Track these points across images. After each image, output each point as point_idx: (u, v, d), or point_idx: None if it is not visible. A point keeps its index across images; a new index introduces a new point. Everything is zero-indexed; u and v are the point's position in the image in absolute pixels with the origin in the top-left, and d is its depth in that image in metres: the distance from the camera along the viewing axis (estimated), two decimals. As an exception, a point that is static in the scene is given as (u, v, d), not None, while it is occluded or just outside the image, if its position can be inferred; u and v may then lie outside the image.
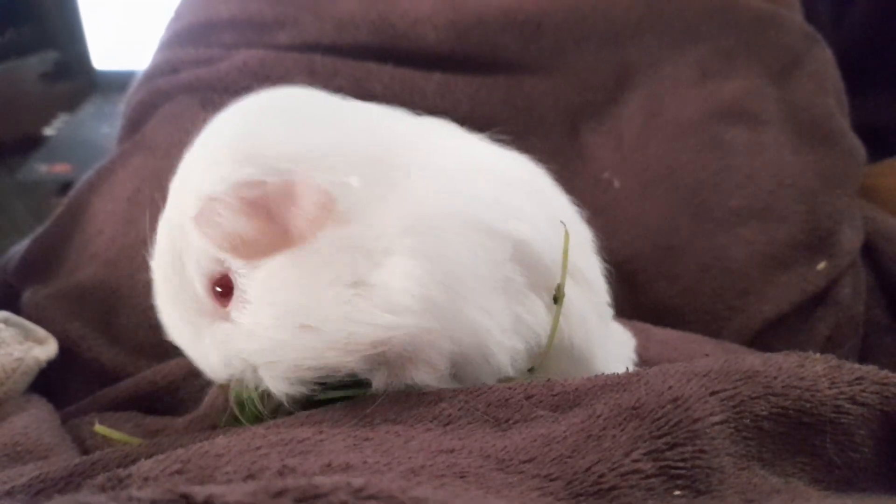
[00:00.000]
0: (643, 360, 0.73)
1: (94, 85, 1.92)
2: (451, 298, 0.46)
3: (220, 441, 0.40)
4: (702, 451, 0.39)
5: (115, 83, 1.86)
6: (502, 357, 0.48)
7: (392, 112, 0.57)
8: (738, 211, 0.96)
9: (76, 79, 1.96)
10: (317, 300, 0.45)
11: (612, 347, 0.64)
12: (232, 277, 0.48)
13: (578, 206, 0.77)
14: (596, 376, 0.48)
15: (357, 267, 0.45)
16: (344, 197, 0.46)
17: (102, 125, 1.80)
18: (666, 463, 0.38)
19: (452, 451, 0.40)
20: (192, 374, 0.70)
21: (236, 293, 0.48)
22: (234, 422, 0.56)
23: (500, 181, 0.53)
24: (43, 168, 1.67)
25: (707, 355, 0.72)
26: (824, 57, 1.06)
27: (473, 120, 0.96)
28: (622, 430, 0.40)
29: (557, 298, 0.52)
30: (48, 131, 1.83)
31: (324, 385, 0.48)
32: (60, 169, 1.65)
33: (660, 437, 0.39)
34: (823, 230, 0.94)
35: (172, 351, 0.65)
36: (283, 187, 0.45)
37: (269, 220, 0.45)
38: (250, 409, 0.52)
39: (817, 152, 1.00)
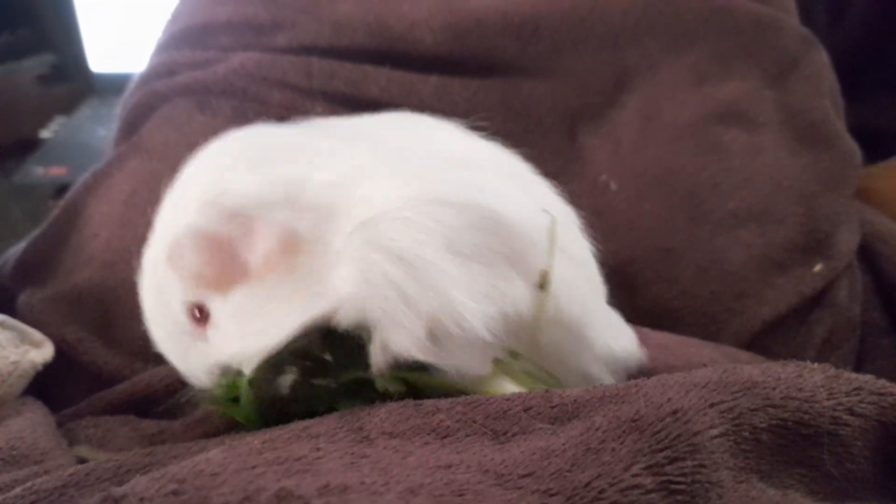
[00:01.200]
0: (640, 364, 0.73)
1: (91, 87, 1.92)
2: (404, 271, 0.49)
3: (216, 458, 0.40)
4: (702, 466, 0.38)
5: (112, 86, 1.85)
6: (474, 321, 0.49)
7: (349, 131, 0.63)
8: (735, 213, 0.96)
9: (72, 81, 1.95)
10: (276, 325, 0.52)
11: (610, 324, 0.65)
12: (206, 304, 0.56)
13: (576, 208, 0.78)
14: (595, 387, 0.47)
15: (309, 288, 0.52)
16: (295, 234, 0.52)
17: (99, 128, 1.80)
18: (666, 478, 0.38)
19: (450, 466, 0.39)
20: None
21: (211, 318, 0.56)
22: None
23: (470, 167, 0.57)
24: (39, 171, 1.67)
25: (705, 365, 0.72)
26: (821, 60, 1.07)
27: (471, 123, 0.97)
28: (622, 444, 0.40)
29: (543, 284, 0.53)
30: (44, 134, 1.83)
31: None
32: (57, 171, 1.65)
33: (660, 450, 0.39)
34: (821, 232, 0.94)
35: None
36: (240, 231, 0.51)
37: (230, 258, 0.52)
38: (245, 406, 0.54)
39: (814, 155, 1.01)
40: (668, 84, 1.03)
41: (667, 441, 0.39)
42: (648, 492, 0.37)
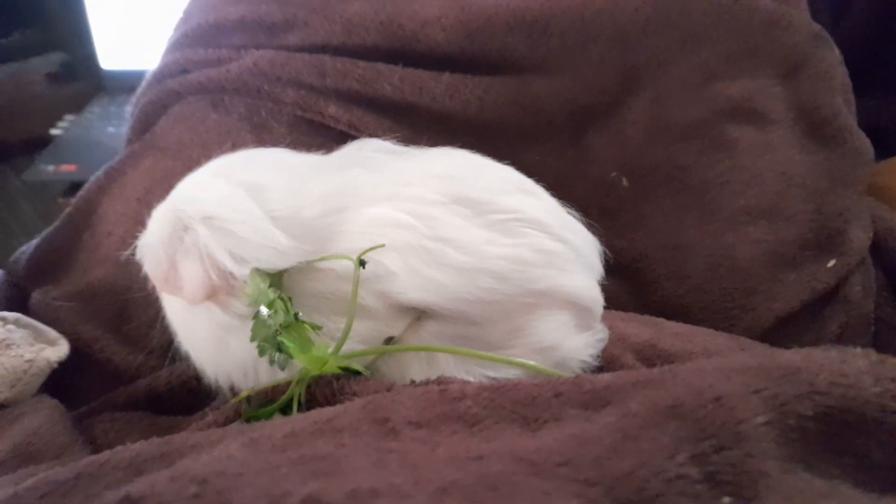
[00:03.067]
0: (657, 350, 0.73)
1: (101, 85, 1.92)
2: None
3: (238, 455, 0.39)
4: (749, 455, 0.37)
5: (122, 84, 1.87)
6: None
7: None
8: (745, 210, 0.96)
9: (82, 79, 1.96)
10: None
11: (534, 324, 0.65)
12: None
13: (584, 206, 0.78)
14: (626, 372, 0.47)
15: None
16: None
17: (109, 126, 1.80)
18: (712, 468, 0.36)
19: (481, 457, 0.38)
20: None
21: None
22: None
23: None
24: (49, 168, 1.66)
25: (723, 353, 0.72)
26: (832, 56, 1.06)
27: (482, 121, 0.97)
28: (662, 431, 0.38)
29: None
30: (55, 132, 1.82)
31: None
32: (67, 169, 1.65)
33: (704, 439, 0.37)
34: (831, 229, 0.94)
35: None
36: (175, 270, 0.64)
37: (167, 280, 0.64)
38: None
39: (825, 151, 1.00)
40: (678, 82, 1.02)
41: (711, 429, 0.38)
42: (695, 482, 0.36)
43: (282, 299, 0.58)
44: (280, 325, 0.57)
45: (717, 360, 0.45)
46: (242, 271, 0.60)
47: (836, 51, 1.08)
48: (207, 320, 0.64)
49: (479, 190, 0.67)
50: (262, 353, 0.58)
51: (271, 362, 0.58)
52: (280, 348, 0.57)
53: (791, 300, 0.90)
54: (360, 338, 0.62)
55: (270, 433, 0.43)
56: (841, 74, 1.07)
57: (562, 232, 0.69)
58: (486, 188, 0.68)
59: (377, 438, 0.42)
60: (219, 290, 0.62)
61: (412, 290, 0.62)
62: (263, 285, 0.59)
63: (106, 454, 0.47)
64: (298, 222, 0.63)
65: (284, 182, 0.66)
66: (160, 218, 0.67)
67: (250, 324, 0.59)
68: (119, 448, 0.48)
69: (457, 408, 0.44)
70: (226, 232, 0.61)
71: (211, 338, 0.65)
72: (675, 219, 0.96)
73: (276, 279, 0.61)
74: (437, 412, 0.44)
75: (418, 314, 0.64)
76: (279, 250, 0.61)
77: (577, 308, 0.68)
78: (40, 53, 1.98)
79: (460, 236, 0.63)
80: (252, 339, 0.59)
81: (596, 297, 0.71)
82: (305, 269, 0.62)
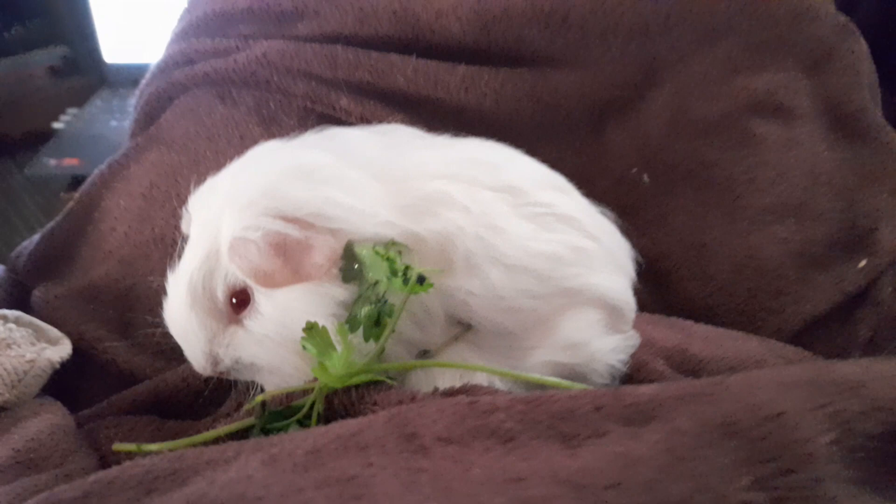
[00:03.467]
0: (687, 356, 0.71)
1: (104, 79, 1.90)
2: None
3: (257, 476, 0.35)
4: (818, 480, 0.34)
5: (126, 77, 1.85)
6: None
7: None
8: (771, 209, 0.93)
9: (85, 73, 1.94)
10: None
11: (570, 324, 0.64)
12: (249, 293, 0.62)
13: (604, 204, 0.75)
14: (669, 384, 0.43)
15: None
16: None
17: (112, 119, 1.79)
18: (778, 493, 0.33)
19: (521, 479, 0.35)
20: (211, 377, 0.67)
21: (252, 305, 0.62)
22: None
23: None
24: (52, 163, 1.65)
25: (758, 361, 0.69)
26: (859, 49, 1.03)
27: (498, 114, 0.94)
28: (717, 451, 0.35)
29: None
30: (57, 126, 1.80)
31: None
32: (70, 163, 1.64)
33: (766, 461, 0.34)
34: (861, 228, 0.91)
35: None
36: (302, 241, 0.57)
37: (284, 261, 0.57)
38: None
39: (853, 148, 0.97)
40: (700, 76, 0.99)
41: (774, 450, 0.34)
42: None
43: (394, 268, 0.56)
44: (384, 294, 0.56)
45: (768, 372, 0.41)
46: (359, 231, 0.57)
47: (864, 43, 1.04)
48: (329, 305, 0.59)
49: (520, 180, 0.66)
50: (355, 328, 0.56)
51: (366, 338, 0.56)
52: (378, 321, 0.55)
53: (820, 302, 0.87)
54: (398, 349, 0.60)
55: (291, 449, 0.40)
56: (868, 68, 1.03)
57: (594, 230, 0.67)
58: (526, 179, 0.66)
59: (406, 456, 0.39)
60: (337, 258, 0.58)
61: (465, 292, 0.60)
62: (375, 255, 0.56)
63: (115, 471, 0.44)
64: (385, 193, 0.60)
65: (353, 157, 0.63)
66: (227, 219, 0.60)
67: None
68: (128, 464, 0.45)
69: (489, 422, 0.41)
70: (326, 187, 0.58)
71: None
72: (699, 217, 0.93)
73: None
74: (468, 427, 0.41)
75: (464, 329, 0.62)
76: (381, 218, 0.58)
77: (607, 308, 0.66)
78: (43, 46, 1.96)
79: (509, 227, 0.62)
80: (353, 313, 0.57)
81: (628, 300, 0.69)
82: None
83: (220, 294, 0.62)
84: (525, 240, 0.62)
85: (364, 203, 0.59)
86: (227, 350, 0.63)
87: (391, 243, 0.58)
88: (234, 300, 0.63)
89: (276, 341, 0.60)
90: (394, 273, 0.56)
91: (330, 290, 0.59)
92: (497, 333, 0.62)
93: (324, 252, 0.57)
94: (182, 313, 0.63)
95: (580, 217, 0.67)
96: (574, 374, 0.65)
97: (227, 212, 0.60)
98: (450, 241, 0.60)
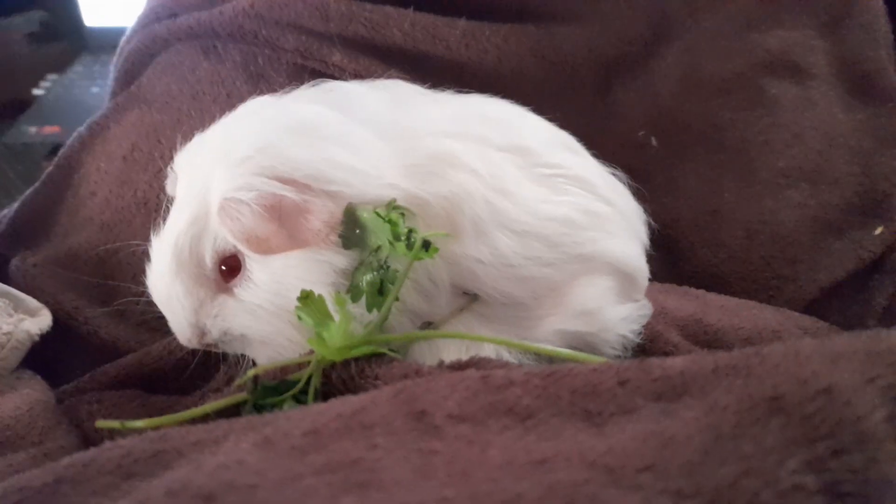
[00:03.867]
0: (702, 326, 0.67)
1: (84, 44, 1.84)
2: None
3: (250, 460, 0.31)
4: (873, 460, 0.30)
5: (106, 41, 1.77)
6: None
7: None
8: (786, 172, 0.89)
9: (65, 38, 1.88)
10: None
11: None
12: (240, 259, 0.58)
13: (611, 166, 0.71)
14: (701, 356, 0.39)
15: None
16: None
17: (93, 85, 1.73)
18: (832, 477, 0.29)
19: (545, 461, 0.31)
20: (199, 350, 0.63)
21: (243, 273, 0.58)
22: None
23: None
24: (32, 130, 1.60)
25: (776, 330, 0.65)
26: (876, 6, 0.98)
27: (500, 72, 0.89)
28: (764, 430, 0.31)
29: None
30: (37, 92, 1.75)
31: None
32: (50, 130, 1.59)
33: (817, 439, 0.30)
34: (878, 193, 0.88)
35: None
36: (299, 204, 0.53)
37: (280, 225, 0.53)
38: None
39: (870, 109, 0.93)
40: (711, 32, 0.95)
41: (826, 428, 0.31)
42: (812, 494, 0.29)
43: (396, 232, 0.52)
44: (385, 260, 0.52)
45: (811, 343, 0.37)
46: (363, 193, 0.53)
47: (880, 1, 1.00)
48: (327, 272, 0.55)
49: (530, 139, 0.62)
50: (356, 297, 0.52)
51: (369, 308, 0.52)
52: (381, 290, 0.52)
53: (835, 270, 0.84)
54: (402, 320, 0.57)
55: (287, 430, 0.36)
56: (884, 26, 0.99)
57: (607, 193, 0.63)
58: (536, 138, 0.62)
59: (415, 437, 0.35)
60: (337, 223, 0.54)
61: (473, 260, 0.56)
62: (376, 218, 0.52)
63: (91, 453, 0.40)
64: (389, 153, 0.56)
65: (355, 113, 0.59)
66: (219, 176, 0.56)
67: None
68: (106, 445, 0.41)
69: (504, 398, 0.37)
70: (329, 147, 0.54)
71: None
72: (711, 181, 0.89)
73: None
74: (482, 403, 0.37)
75: (470, 300, 0.58)
76: (386, 180, 0.54)
77: (620, 275, 0.63)
78: (21, 11, 1.89)
79: (518, 190, 0.58)
80: (355, 281, 0.53)
81: (641, 266, 0.65)
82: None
83: (209, 260, 0.58)
84: (536, 202, 0.58)
85: (368, 164, 0.55)
86: (216, 321, 0.59)
87: (392, 205, 0.54)
88: (223, 267, 0.58)
89: (270, 311, 0.56)
90: (396, 237, 0.51)
91: (329, 256, 0.55)
92: (505, 304, 0.58)
93: (322, 216, 0.53)
94: (166, 280, 0.59)
95: (593, 179, 0.63)
96: (585, 344, 0.61)
97: (218, 170, 0.55)
98: (457, 205, 0.56)
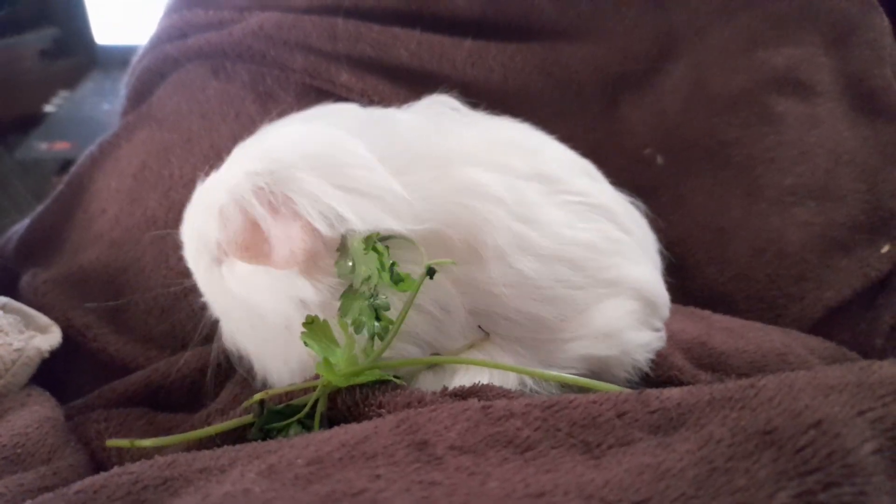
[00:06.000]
0: (707, 349, 0.67)
1: (95, 61, 1.86)
2: None
3: (256, 490, 0.32)
4: (862, 493, 0.30)
5: (117, 58, 1.79)
6: None
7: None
8: (792, 190, 0.89)
9: (76, 55, 1.90)
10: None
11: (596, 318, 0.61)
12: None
13: (618, 184, 0.71)
14: (698, 388, 0.39)
15: None
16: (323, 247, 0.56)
17: (104, 102, 1.75)
18: None
19: (543, 494, 0.32)
20: (207, 367, 0.64)
21: (228, 262, 0.61)
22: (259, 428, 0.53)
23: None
24: (43, 146, 1.62)
25: (782, 353, 0.65)
26: (882, 24, 0.98)
27: (506, 90, 0.89)
28: (756, 463, 0.32)
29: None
30: (48, 109, 1.77)
31: None
32: (61, 147, 1.60)
33: (808, 472, 0.31)
34: (885, 210, 0.87)
35: (186, 339, 0.60)
36: (278, 230, 0.55)
37: (262, 242, 0.56)
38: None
39: (876, 126, 0.93)
40: (718, 49, 0.95)
41: (816, 461, 0.31)
42: None
43: (383, 263, 0.52)
44: (376, 287, 0.52)
45: (804, 374, 0.38)
46: (361, 226, 0.53)
47: (886, 20, 1.00)
48: (284, 298, 0.57)
49: (554, 167, 0.62)
50: (359, 328, 0.52)
51: (371, 336, 0.52)
52: (378, 316, 0.52)
53: (842, 288, 0.84)
54: (409, 347, 0.57)
55: (291, 459, 0.36)
56: (890, 44, 0.99)
57: (627, 222, 0.64)
58: (560, 166, 0.63)
59: (417, 468, 0.35)
60: (318, 253, 0.55)
61: (495, 284, 0.56)
62: (365, 249, 0.53)
63: (100, 478, 0.40)
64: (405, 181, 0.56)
65: (374, 136, 0.59)
66: (236, 174, 0.58)
67: (335, 304, 0.54)
68: (116, 471, 0.41)
69: (505, 430, 0.38)
70: (341, 177, 0.54)
71: (283, 323, 0.57)
72: (717, 199, 0.89)
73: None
74: (483, 435, 0.37)
75: (483, 337, 0.59)
76: (396, 208, 0.54)
77: (644, 300, 0.64)
78: (33, 28, 1.92)
79: (542, 217, 0.59)
80: (343, 315, 0.53)
81: (663, 293, 0.66)
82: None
83: (213, 241, 0.62)
84: (560, 227, 0.59)
85: (381, 203, 0.55)
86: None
87: (377, 236, 0.54)
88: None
89: (238, 303, 0.61)
90: (383, 267, 0.52)
91: (294, 284, 0.56)
92: (527, 327, 0.58)
93: (292, 247, 0.55)
94: (198, 219, 0.63)
95: (614, 207, 0.64)
96: (604, 367, 0.62)
97: (238, 166, 0.59)
98: (479, 233, 0.56)
